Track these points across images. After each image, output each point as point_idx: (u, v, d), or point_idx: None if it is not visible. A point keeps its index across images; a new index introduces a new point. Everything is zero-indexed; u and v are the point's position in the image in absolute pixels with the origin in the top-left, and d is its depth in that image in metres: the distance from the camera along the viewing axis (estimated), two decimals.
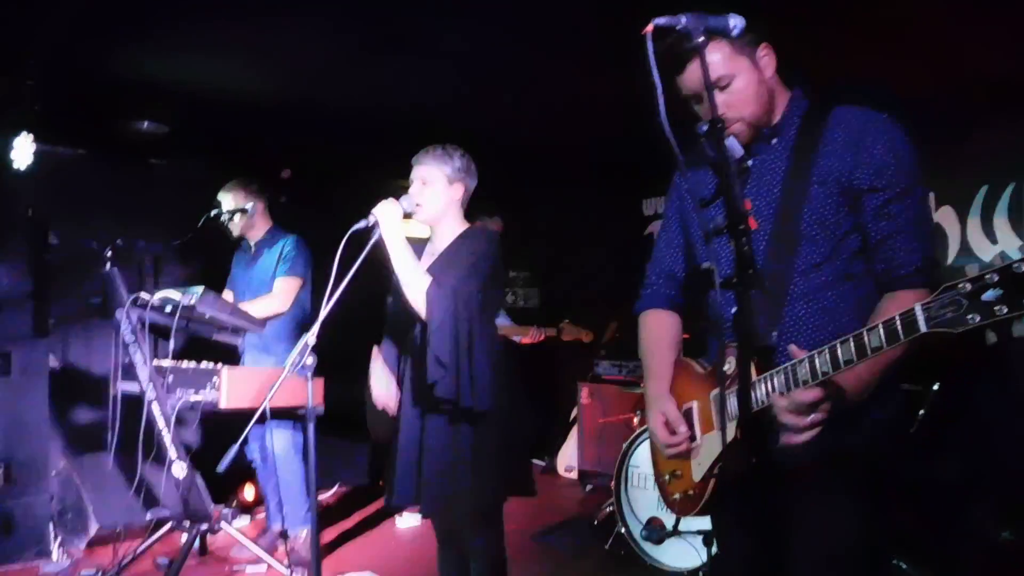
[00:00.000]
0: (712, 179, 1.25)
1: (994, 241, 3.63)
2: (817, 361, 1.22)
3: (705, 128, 1.23)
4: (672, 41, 1.31)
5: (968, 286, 1.05)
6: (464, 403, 2.05)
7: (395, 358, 2.29)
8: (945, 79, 3.32)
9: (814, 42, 3.02)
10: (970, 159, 3.62)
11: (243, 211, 3.47)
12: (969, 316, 1.04)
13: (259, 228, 3.57)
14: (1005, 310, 1.01)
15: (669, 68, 1.40)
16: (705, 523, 2.40)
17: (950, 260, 3.76)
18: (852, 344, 1.18)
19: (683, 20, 1.27)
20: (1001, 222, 3.59)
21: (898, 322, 1.12)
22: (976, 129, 3.57)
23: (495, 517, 2.17)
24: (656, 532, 2.94)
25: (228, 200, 3.51)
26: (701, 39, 1.28)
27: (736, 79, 1.40)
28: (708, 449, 1.47)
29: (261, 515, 4.05)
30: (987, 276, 1.03)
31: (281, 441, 3.42)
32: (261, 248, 3.57)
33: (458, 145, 2.33)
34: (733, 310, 1.13)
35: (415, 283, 2.11)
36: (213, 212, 3.48)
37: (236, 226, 3.53)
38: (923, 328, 1.09)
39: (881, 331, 1.14)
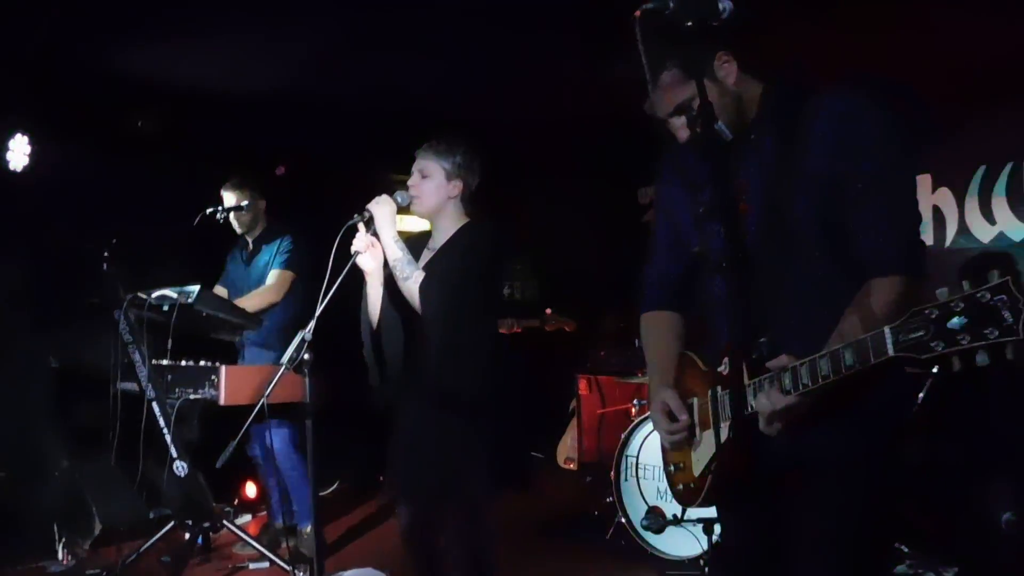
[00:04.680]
0: (701, 164, 1.24)
1: (992, 222, 3.61)
2: (800, 372, 1.23)
3: (695, 112, 1.22)
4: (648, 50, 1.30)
5: (935, 312, 1.03)
6: (452, 396, 2.06)
7: (372, 345, 2.26)
8: (941, 59, 3.30)
9: (808, 23, 3.01)
10: (967, 139, 3.60)
11: (239, 208, 3.46)
12: (933, 343, 1.02)
13: (260, 225, 3.56)
14: (968, 339, 0.99)
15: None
16: (705, 512, 2.40)
17: (948, 243, 3.75)
18: (829, 361, 1.18)
19: (671, 4, 1.26)
20: (1000, 202, 3.57)
21: (868, 343, 1.12)
22: (973, 109, 3.55)
23: (481, 510, 2.15)
24: (656, 521, 2.94)
25: (230, 197, 3.48)
26: (690, 23, 1.27)
27: (695, 100, 1.35)
28: (707, 445, 1.48)
29: (264, 512, 4.06)
30: (952, 303, 1.01)
31: (281, 438, 3.42)
32: (260, 245, 3.56)
33: (454, 136, 2.31)
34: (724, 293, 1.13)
35: (408, 277, 2.11)
36: (209, 210, 3.46)
37: (241, 223, 3.51)
38: (890, 352, 1.08)
39: (854, 351, 1.14)
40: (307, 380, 2.27)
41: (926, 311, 1.04)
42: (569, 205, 5.39)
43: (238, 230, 3.57)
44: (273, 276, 3.45)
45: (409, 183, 2.22)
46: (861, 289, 1.34)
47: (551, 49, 3.45)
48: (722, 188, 1.07)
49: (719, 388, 1.41)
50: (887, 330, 1.09)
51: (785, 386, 1.24)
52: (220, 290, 3.65)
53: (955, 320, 1.00)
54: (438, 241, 2.24)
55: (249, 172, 3.60)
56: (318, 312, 2.19)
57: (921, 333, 1.03)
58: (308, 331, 2.21)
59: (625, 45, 1.38)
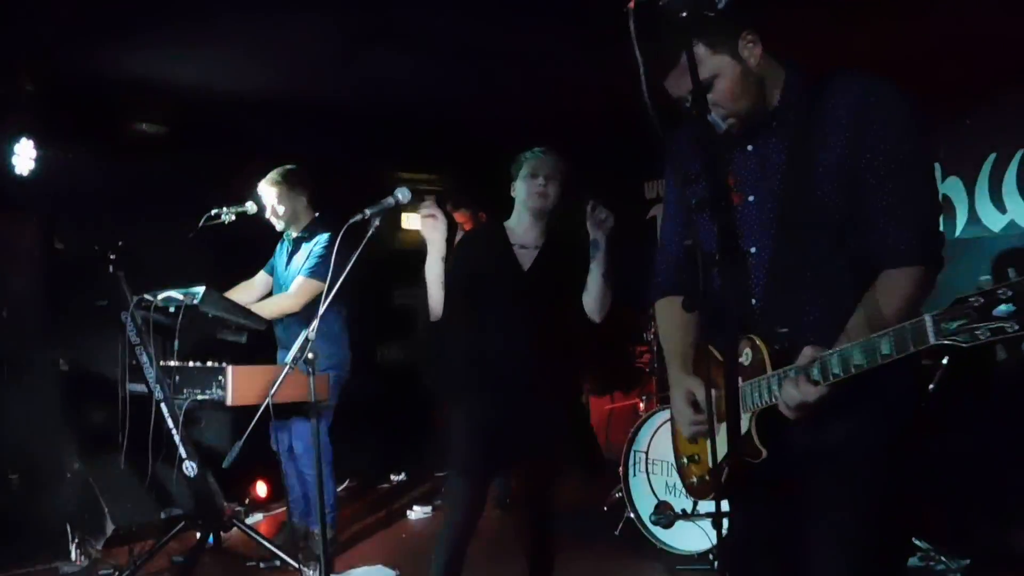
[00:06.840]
0: (698, 156, 1.23)
1: (1003, 211, 3.57)
2: (831, 362, 1.21)
3: (689, 104, 1.21)
4: (657, 36, 1.28)
5: (980, 299, 1.01)
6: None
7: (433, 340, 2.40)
8: (951, 46, 3.25)
9: (816, 10, 2.98)
10: (977, 127, 3.55)
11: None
12: (979, 331, 1.01)
13: (302, 221, 3.39)
14: (1016, 327, 0.98)
15: (656, 70, 1.36)
16: (714, 506, 2.39)
17: (958, 232, 3.70)
18: (862, 351, 1.16)
19: None
20: (1010, 190, 3.53)
21: (908, 331, 1.10)
22: (983, 96, 3.50)
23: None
24: (665, 516, 2.93)
25: (266, 192, 3.34)
26: (684, 14, 1.25)
27: (718, 79, 1.33)
28: (723, 437, 1.46)
29: (276, 511, 4.08)
30: (999, 291, 1.00)
31: (301, 437, 3.38)
32: (299, 243, 3.39)
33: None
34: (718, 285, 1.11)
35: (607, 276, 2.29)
36: (214, 211, 3.45)
37: (277, 220, 3.37)
38: (932, 340, 1.07)
39: (892, 339, 1.12)
40: (311, 379, 2.28)
41: (970, 298, 1.03)
42: (573, 200, 5.36)
43: (277, 227, 3.41)
44: (295, 284, 3.27)
45: (546, 183, 2.32)
46: (878, 280, 1.32)
47: (553, 46, 3.43)
48: (713, 181, 1.05)
49: (739, 380, 1.39)
50: (928, 318, 1.07)
51: (814, 376, 1.23)
52: (262, 277, 3.55)
53: (1002, 307, 0.99)
54: (531, 239, 2.35)
55: (291, 167, 3.42)
56: (321, 311, 2.20)
57: (964, 321, 1.02)
58: (312, 330, 2.22)
59: (625, 39, 1.36)
